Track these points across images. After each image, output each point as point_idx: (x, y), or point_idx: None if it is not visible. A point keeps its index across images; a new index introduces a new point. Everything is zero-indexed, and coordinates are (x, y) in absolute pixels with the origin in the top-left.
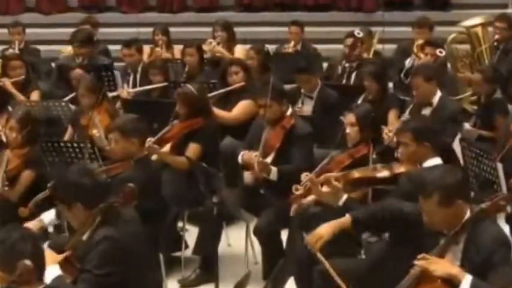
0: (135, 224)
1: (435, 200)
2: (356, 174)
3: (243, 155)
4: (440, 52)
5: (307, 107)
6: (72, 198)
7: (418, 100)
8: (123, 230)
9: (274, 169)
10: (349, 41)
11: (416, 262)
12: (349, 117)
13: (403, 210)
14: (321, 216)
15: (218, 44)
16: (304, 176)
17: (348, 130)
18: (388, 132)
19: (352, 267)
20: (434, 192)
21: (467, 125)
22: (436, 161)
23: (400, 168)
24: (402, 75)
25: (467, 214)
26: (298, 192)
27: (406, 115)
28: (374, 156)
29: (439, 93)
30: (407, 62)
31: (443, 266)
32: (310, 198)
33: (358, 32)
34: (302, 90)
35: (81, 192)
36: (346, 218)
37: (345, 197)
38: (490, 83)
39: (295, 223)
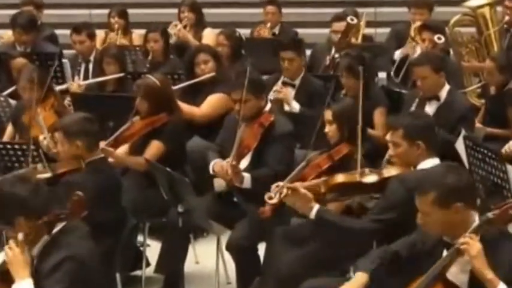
0: (87, 240)
1: (430, 199)
2: (339, 179)
3: (214, 166)
4: (439, 38)
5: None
6: (12, 215)
7: (423, 93)
8: (80, 246)
9: (247, 176)
10: (337, 25)
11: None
12: (327, 114)
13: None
14: (304, 228)
15: (185, 27)
16: (274, 187)
17: (326, 129)
18: None
19: None
20: (430, 190)
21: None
22: (434, 162)
23: (391, 172)
24: (397, 63)
25: (476, 221)
26: (272, 202)
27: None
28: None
29: (447, 87)
30: (403, 49)
31: (483, 262)
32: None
33: (352, 18)
34: (282, 77)
35: (18, 204)
36: (362, 276)
37: (316, 207)
38: (503, 72)
39: (275, 236)
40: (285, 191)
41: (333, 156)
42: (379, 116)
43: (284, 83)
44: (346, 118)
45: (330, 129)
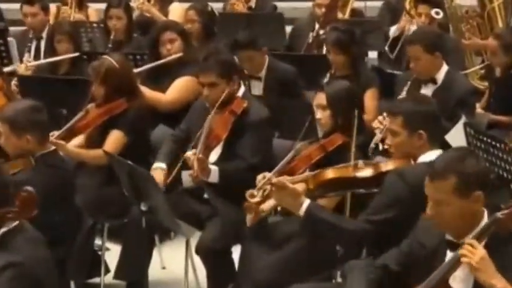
0: (38, 244)
1: (450, 185)
2: (330, 174)
3: (154, 172)
4: (437, 13)
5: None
6: None
7: (417, 76)
8: (29, 252)
9: (214, 169)
10: None
11: (462, 251)
12: (319, 98)
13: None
14: (283, 227)
15: (149, 0)
16: (262, 178)
17: (318, 115)
18: (383, 121)
19: None
20: (450, 175)
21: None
22: (437, 154)
23: (388, 165)
24: (390, 41)
25: (484, 219)
26: (254, 200)
27: (403, 95)
28: (353, 149)
29: (445, 68)
30: (398, 26)
31: (489, 272)
32: (270, 203)
33: None
34: (246, 72)
35: None
36: None
37: (306, 203)
38: (508, 52)
39: (251, 237)
40: (268, 187)
41: (326, 146)
42: (369, 98)
43: (250, 77)
44: (342, 103)
45: (322, 116)
